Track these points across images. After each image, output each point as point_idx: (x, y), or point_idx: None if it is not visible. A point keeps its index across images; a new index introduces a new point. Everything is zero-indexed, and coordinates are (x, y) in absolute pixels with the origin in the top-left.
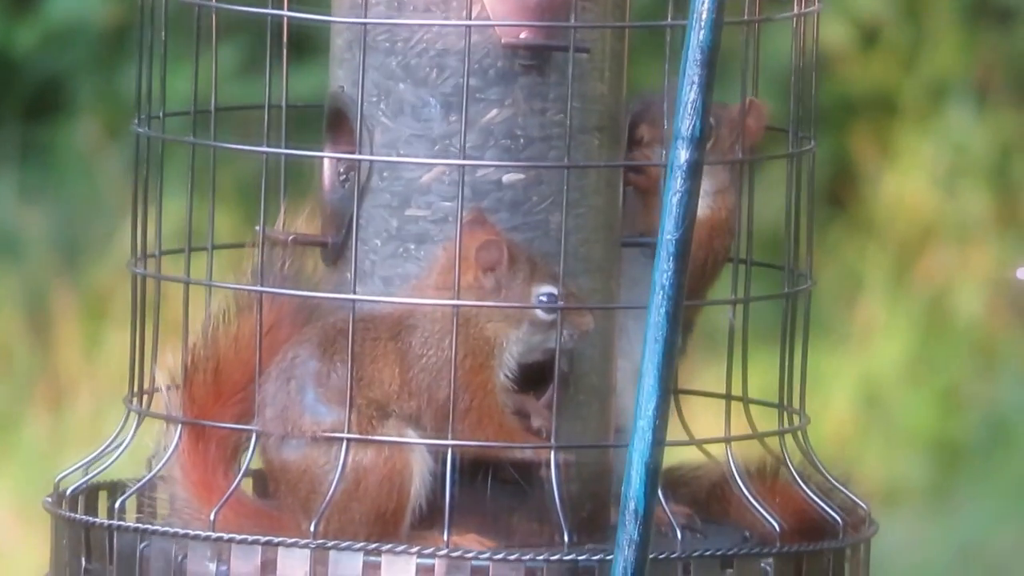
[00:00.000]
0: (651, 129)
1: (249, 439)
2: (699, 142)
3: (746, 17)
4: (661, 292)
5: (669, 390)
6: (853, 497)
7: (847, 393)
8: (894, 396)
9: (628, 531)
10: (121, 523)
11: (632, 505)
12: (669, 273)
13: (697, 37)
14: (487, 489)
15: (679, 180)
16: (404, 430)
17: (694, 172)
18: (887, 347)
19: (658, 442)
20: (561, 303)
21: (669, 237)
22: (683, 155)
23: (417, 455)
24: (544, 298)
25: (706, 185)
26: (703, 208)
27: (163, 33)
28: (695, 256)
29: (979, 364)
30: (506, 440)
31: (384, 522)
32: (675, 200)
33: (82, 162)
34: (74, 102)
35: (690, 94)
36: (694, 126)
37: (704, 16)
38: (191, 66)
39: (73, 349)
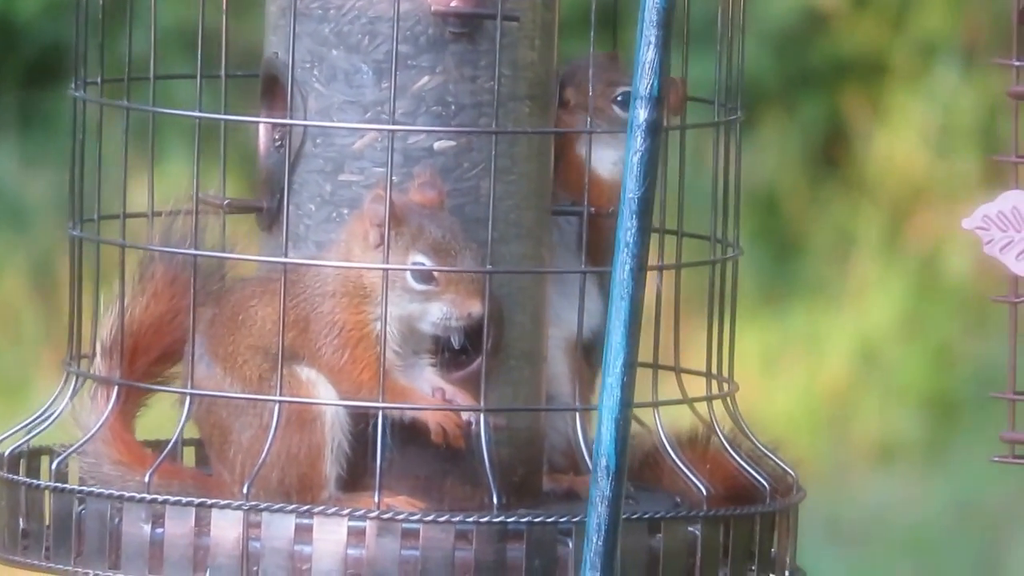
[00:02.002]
0: (577, 93)
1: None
2: (657, 101)
3: None
4: (625, 250)
5: (637, 346)
6: (782, 464)
7: (842, 351)
8: (888, 353)
9: (601, 488)
10: (58, 485)
11: (604, 462)
12: (633, 231)
13: None
14: (419, 453)
15: (639, 139)
16: (293, 369)
17: (654, 131)
18: (881, 305)
19: (627, 399)
20: (435, 281)
21: (631, 195)
22: (642, 114)
23: (324, 398)
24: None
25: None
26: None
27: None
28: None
29: (971, 321)
30: (398, 393)
31: (299, 463)
32: (636, 159)
33: (84, 128)
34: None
35: (647, 54)
36: (652, 85)
37: None
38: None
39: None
